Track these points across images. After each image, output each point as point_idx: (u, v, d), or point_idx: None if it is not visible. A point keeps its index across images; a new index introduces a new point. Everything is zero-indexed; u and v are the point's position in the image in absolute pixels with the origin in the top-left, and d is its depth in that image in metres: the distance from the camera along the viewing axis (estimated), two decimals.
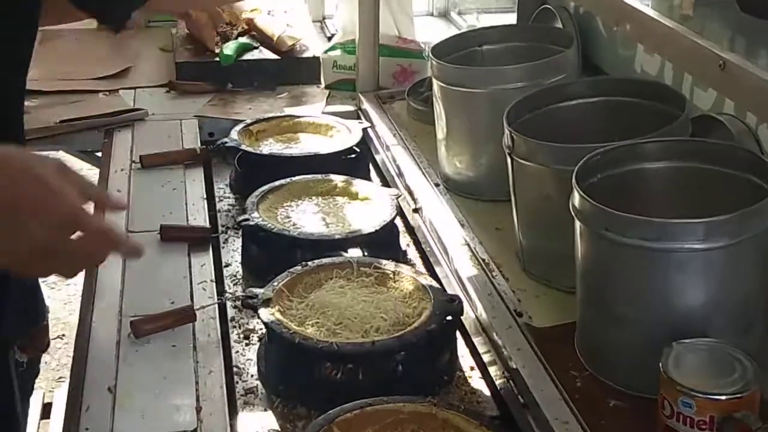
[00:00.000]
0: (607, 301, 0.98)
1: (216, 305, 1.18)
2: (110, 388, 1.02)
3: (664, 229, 0.89)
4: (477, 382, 1.12)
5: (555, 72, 1.33)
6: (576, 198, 0.97)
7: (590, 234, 0.96)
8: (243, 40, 2.00)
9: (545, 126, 1.20)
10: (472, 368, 1.14)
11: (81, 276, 1.03)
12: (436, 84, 1.42)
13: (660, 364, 0.87)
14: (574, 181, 0.98)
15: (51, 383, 2.68)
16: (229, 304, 1.24)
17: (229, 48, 1.92)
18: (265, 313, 1.10)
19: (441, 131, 1.46)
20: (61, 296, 3.10)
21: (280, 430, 1.03)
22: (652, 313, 0.94)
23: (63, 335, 2.89)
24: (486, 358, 1.13)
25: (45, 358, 2.78)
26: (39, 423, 2.39)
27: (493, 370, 1.11)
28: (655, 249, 0.90)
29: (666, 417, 0.86)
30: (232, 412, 1.03)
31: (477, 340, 1.16)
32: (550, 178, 1.10)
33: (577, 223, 0.98)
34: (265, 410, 1.06)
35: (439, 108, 1.44)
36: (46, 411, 2.42)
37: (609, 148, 1.04)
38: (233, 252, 1.38)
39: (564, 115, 1.24)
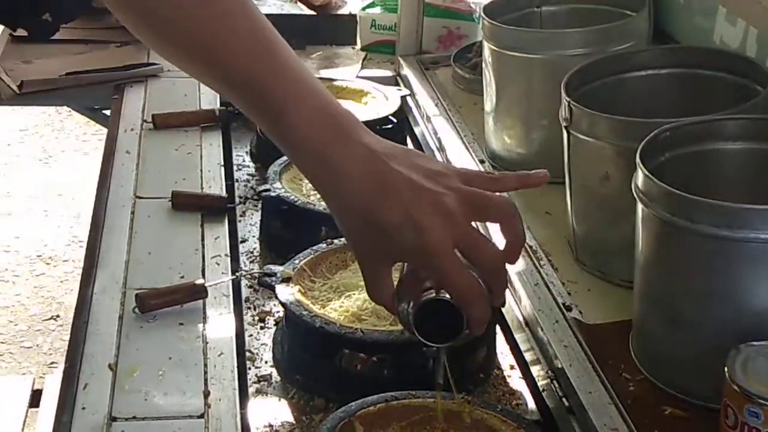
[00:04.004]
0: (669, 297, 0.98)
1: (230, 282, 1.20)
2: (111, 366, 1.04)
3: (738, 216, 0.89)
4: (517, 382, 1.13)
5: (622, 39, 1.32)
6: (639, 178, 0.97)
7: (654, 219, 0.96)
8: None
9: (608, 98, 1.20)
10: (512, 367, 1.15)
11: (80, 250, 1.05)
12: (487, 47, 1.43)
13: (725, 368, 0.87)
14: (638, 159, 0.98)
15: (42, 368, 2.73)
16: (244, 282, 1.26)
17: None
18: (283, 293, 1.11)
19: (489, 102, 1.47)
20: (57, 273, 3.16)
21: (295, 422, 1.05)
22: (720, 311, 0.94)
23: (57, 316, 2.95)
24: (528, 356, 1.14)
25: (37, 339, 2.85)
26: (27, 412, 2.43)
27: (535, 370, 1.11)
28: (728, 238, 0.89)
29: (729, 427, 0.86)
30: (243, 400, 1.05)
31: (519, 337, 1.17)
32: (612, 155, 1.11)
33: (640, 207, 0.98)
34: (280, 400, 1.08)
35: (489, 75, 1.45)
36: (35, 399, 2.47)
37: (680, 124, 1.04)
38: (251, 227, 1.41)
39: (630, 87, 1.24)
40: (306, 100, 0.83)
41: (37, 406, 2.43)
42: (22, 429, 2.32)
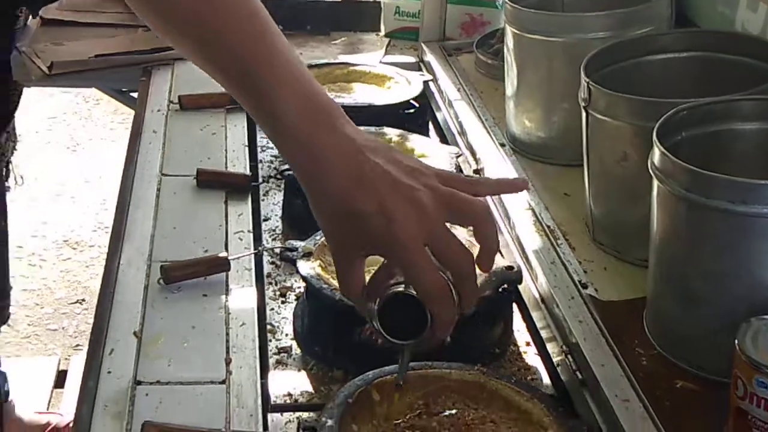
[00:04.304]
0: (684, 273, 1.00)
1: (252, 257, 1.23)
2: (136, 333, 1.07)
3: (753, 191, 0.90)
4: (532, 358, 1.15)
5: (642, 23, 1.34)
6: (656, 155, 0.99)
7: (669, 196, 0.98)
8: None
9: (627, 81, 1.22)
10: (527, 344, 1.17)
11: (105, 236, 1.08)
12: (508, 31, 1.45)
13: (735, 340, 0.88)
14: (655, 136, 1.00)
15: (67, 350, 2.78)
16: (266, 259, 1.29)
17: None
18: (304, 267, 1.14)
19: (511, 86, 1.49)
20: (83, 258, 3.21)
21: (314, 392, 1.07)
22: (733, 286, 0.96)
23: (83, 300, 3.00)
24: (544, 333, 1.16)
25: (62, 322, 2.90)
26: (52, 392, 2.48)
27: (551, 347, 1.13)
28: (743, 213, 0.91)
29: (738, 398, 0.88)
30: (264, 371, 1.08)
31: (536, 315, 1.19)
32: (630, 135, 1.13)
33: (656, 184, 1.00)
34: (299, 371, 1.10)
35: (510, 59, 1.47)
36: (60, 379, 2.51)
37: (697, 103, 1.06)
38: (273, 206, 1.43)
39: (649, 70, 1.25)
40: (293, 86, 0.84)
41: (62, 386, 2.48)
42: (47, 408, 2.37)
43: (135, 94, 1.77)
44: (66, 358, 2.67)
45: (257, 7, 0.87)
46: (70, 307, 2.98)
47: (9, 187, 1.79)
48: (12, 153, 1.78)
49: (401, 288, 0.84)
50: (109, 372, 1.02)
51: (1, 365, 1.98)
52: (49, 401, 2.42)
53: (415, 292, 0.83)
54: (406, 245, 0.81)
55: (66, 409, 2.30)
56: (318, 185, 0.85)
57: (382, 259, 0.86)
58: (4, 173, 1.74)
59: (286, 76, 0.84)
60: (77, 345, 2.79)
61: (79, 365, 2.20)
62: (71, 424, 1.98)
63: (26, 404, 2.19)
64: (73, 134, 4.00)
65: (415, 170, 0.84)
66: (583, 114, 1.19)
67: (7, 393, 2.01)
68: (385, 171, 0.82)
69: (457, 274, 0.83)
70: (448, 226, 0.84)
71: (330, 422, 0.91)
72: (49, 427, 2.19)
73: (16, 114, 1.73)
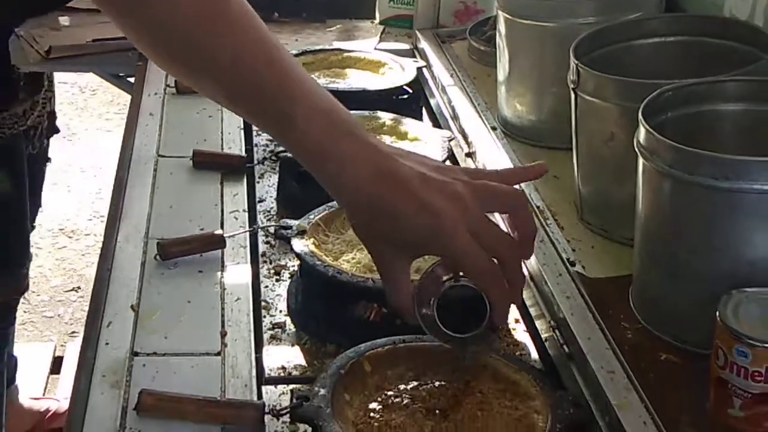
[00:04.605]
0: (668, 249, 1.02)
1: (247, 235, 1.26)
2: (133, 307, 1.10)
3: (735, 167, 0.93)
4: (521, 335, 1.17)
5: (633, 9, 1.36)
6: (641, 133, 1.01)
7: (654, 173, 1.00)
8: None
9: (615, 64, 1.24)
10: (516, 321, 1.20)
11: (101, 225, 1.09)
12: (501, 16, 1.47)
13: (717, 311, 0.91)
14: (640, 116, 1.02)
15: (63, 337, 2.80)
16: (260, 239, 1.31)
17: None
18: (298, 244, 1.16)
19: (502, 71, 1.51)
20: (78, 246, 3.23)
21: (307, 366, 1.10)
22: (716, 261, 0.98)
23: (78, 287, 3.02)
24: (533, 311, 1.19)
25: (58, 310, 2.92)
26: (48, 378, 2.50)
27: (539, 324, 1.16)
28: (724, 189, 0.93)
29: (719, 368, 0.91)
30: (258, 345, 1.11)
31: (525, 293, 1.21)
32: (617, 116, 1.15)
33: (641, 162, 1.02)
34: (293, 346, 1.13)
35: (502, 44, 1.49)
36: (56, 365, 2.53)
37: (682, 84, 1.08)
38: (269, 188, 1.46)
39: (638, 54, 1.28)
40: (313, 103, 0.85)
41: (58, 372, 2.50)
42: (44, 394, 2.39)
43: (132, 79, 1.79)
44: (62, 345, 2.69)
45: (262, 29, 0.88)
46: (66, 295, 3.00)
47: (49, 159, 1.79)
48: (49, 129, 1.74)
49: (454, 282, 0.85)
50: (107, 344, 1.04)
51: (13, 348, 1.99)
52: (46, 387, 2.44)
53: (470, 283, 0.85)
54: (454, 235, 0.82)
55: (63, 395, 2.32)
56: (353, 195, 0.86)
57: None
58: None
59: (303, 94, 0.85)
60: (73, 332, 2.81)
61: (76, 351, 2.23)
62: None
63: (23, 390, 2.21)
64: (69, 124, 4.01)
65: (444, 168, 0.87)
66: (572, 96, 1.22)
67: (13, 378, 2.04)
68: (416, 170, 0.84)
69: (503, 260, 0.85)
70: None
71: (323, 391, 0.94)
72: (49, 413, 2.21)
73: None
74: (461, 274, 0.88)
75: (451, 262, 0.87)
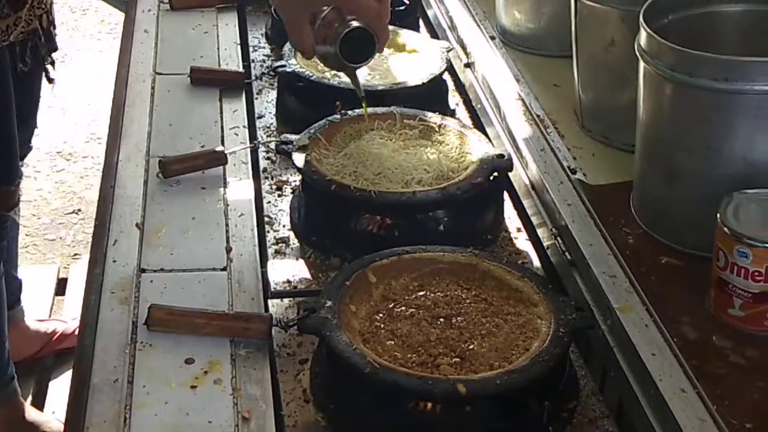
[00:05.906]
0: (668, 151, 1.03)
1: (248, 151, 1.26)
2: (138, 225, 1.11)
3: (735, 68, 0.93)
4: (523, 243, 1.19)
5: None
6: (642, 37, 1.01)
7: (655, 76, 1.01)
8: None
9: None
10: (518, 229, 1.21)
11: (98, 147, 1.09)
12: None
13: (717, 213, 0.92)
14: (642, 19, 1.02)
15: (66, 259, 2.82)
16: (261, 155, 1.32)
17: None
18: (299, 159, 1.17)
19: None
20: (77, 169, 3.23)
21: (312, 279, 1.12)
22: (716, 163, 0.99)
23: (79, 210, 3.03)
24: (535, 220, 1.20)
25: (60, 232, 2.94)
26: (53, 299, 2.53)
27: (541, 232, 1.18)
28: (724, 90, 0.94)
29: (719, 269, 0.93)
30: (263, 260, 1.12)
31: (526, 203, 1.23)
32: (617, 21, 1.15)
33: (642, 65, 1.02)
34: (297, 260, 1.15)
35: None
36: (61, 287, 2.56)
37: None
38: (267, 104, 1.46)
39: None
40: None
41: (63, 294, 2.52)
42: (49, 316, 2.41)
43: None
44: (65, 267, 2.71)
45: None
46: (67, 218, 3.02)
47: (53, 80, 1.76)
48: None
49: (352, 24, 1.04)
50: (114, 261, 1.06)
51: (17, 269, 2.00)
52: (51, 308, 2.47)
53: (358, 24, 1.04)
54: None
55: (70, 316, 2.35)
56: None
57: None
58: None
59: None
60: (75, 254, 2.83)
61: (80, 273, 2.24)
62: (77, 331, 2.02)
63: (29, 312, 2.23)
64: (61, 45, 3.96)
65: None
66: (572, 1, 1.21)
67: (18, 300, 2.06)
68: None
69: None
70: None
71: (329, 303, 0.96)
72: (56, 335, 2.23)
73: None
74: (350, 18, 1.05)
75: (344, 6, 1.05)
